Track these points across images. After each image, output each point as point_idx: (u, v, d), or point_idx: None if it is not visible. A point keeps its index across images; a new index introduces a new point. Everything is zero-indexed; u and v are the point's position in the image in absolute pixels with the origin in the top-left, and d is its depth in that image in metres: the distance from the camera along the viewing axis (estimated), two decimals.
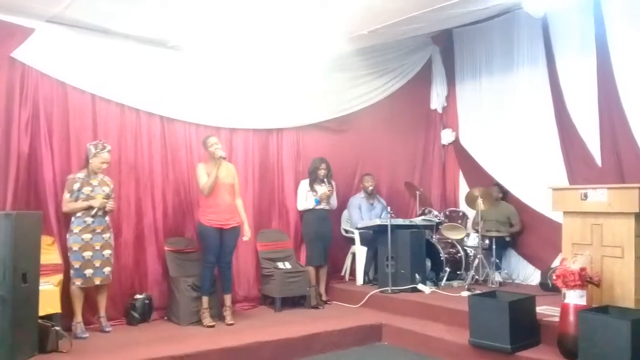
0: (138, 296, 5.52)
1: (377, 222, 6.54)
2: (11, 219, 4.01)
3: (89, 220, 4.94)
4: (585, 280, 4.13)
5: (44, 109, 5.20)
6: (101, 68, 5.47)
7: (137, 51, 5.69)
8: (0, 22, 4.92)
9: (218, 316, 5.51)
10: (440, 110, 8.20)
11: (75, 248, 4.90)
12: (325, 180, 6.52)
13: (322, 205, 6.51)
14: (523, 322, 4.49)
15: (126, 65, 5.62)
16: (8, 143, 4.98)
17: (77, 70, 5.34)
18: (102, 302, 5.13)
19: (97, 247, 4.96)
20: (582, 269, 4.12)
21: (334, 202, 6.72)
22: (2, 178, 4.92)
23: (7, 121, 5.00)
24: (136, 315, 5.43)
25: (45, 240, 4.92)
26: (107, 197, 5.05)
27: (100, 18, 5.17)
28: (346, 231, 7.25)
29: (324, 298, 6.56)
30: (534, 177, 6.78)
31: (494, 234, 6.68)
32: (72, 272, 4.91)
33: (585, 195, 4.52)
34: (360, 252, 6.92)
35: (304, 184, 6.62)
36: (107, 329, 5.09)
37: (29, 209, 5.00)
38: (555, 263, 6.09)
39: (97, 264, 4.95)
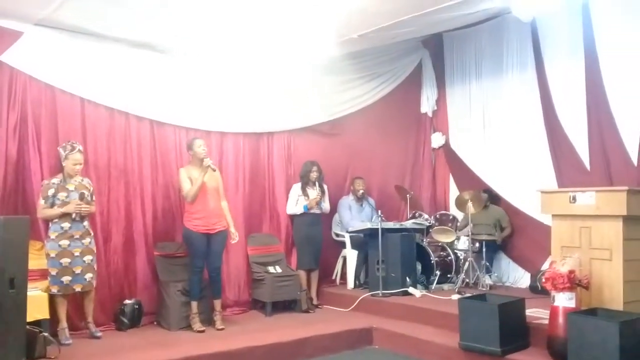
0: (127, 301, 5.48)
1: (368, 225, 6.54)
2: None
3: (66, 225, 4.83)
4: (574, 283, 4.15)
5: (32, 113, 5.16)
6: (90, 71, 5.45)
7: (126, 54, 5.66)
8: None
9: (208, 321, 5.49)
10: (430, 114, 8.22)
11: (52, 254, 4.78)
12: (316, 183, 6.52)
13: (314, 209, 6.50)
14: (513, 325, 4.51)
15: (115, 68, 5.59)
16: None
17: (65, 73, 5.31)
18: (89, 308, 5.06)
19: (77, 253, 4.85)
20: (571, 272, 4.14)
21: (326, 206, 6.72)
22: None
23: None
24: (125, 320, 5.40)
25: (34, 245, 4.88)
26: (82, 199, 4.89)
27: (89, 21, 5.15)
28: (337, 235, 7.25)
29: (315, 302, 6.55)
30: (524, 180, 6.80)
31: (484, 237, 6.69)
32: (49, 279, 4.81)
33: (574, 198, 4.54)
34: (351, 255, 6.92)
35: (296, 188, 6.61)
36: (98, 334, 5.03)
37: (17, 213, 4.96)
38: (545, 266, 6.11)
39: (77, 270, 4.84)
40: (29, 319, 4.37)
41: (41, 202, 4.86)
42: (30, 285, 4.45)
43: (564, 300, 4.14)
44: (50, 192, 4.85)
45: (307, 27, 5.42)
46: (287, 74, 6.64)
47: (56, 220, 4.83)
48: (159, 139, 5.96)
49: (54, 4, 4.71)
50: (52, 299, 4.83)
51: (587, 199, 4.45)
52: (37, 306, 4.55)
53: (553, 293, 4.21)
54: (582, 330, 3.86)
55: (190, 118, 6.11)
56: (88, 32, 5.35)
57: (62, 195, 4.86)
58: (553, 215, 4.77)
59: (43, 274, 4.90)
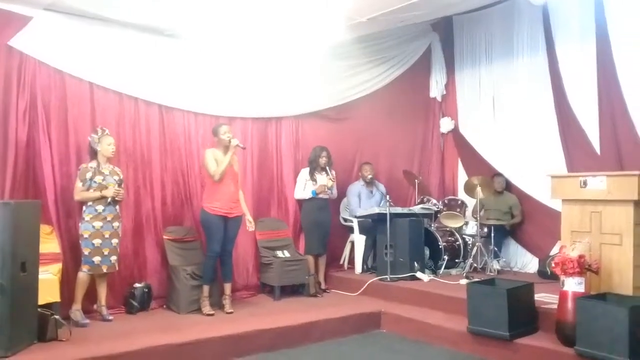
0: (137, 285, 5.52)
1: (376, 210, 6.54)
2: (10, 208, 4.00)
3: (100, 208, 4.98)
4: (584, 268, 4.15)
5: (41, 98, 5.17)
6: (99, 56, 5.44)
7: (135, 39, 5.65)
8: None
9: (217, 305, 5.52)
10: (439, 99, 8.18)
11: (85, 235, 4.94)
12: (326, 168, 6.51)
13: (321, 195, 6.50)
14: (521, 310, 4.52)
15: (124, 53, 5.58)
16: (6, 132, 4.97)
17: (75, 58, 5.30)
18: (103, 291, 5.14)
19: (107, 235, 5.00)
20: (581, 257, 4.14)
21: (334, 191, 6.71)
22: (0, 167, 4.91)
23: (5, 110, 4.98)
24: (135, 304, 5.44)
25: (44, 229, 4.91)
26: (120, 185, 5.10)
27: (98, 5, 5.14)
28: (345, 220, 7.26)
29: (323, 286, 6.58)
30: (533, 165, 6.78)
31: (492, 222, 6.68)
32: (82, 258, 4.96)
33: (585, 183, 4.52)
34: (359, 240, 6.92)
35: (304, 172, 6.61)
36: (109, 318, 5.10)
37: (27, 198, 5.01)
38: (554, 251, 6.11)
39: (106, 252, 4.99)
40: (40, 302, 4.43)
41: (79, 184, 4.99)
42: (41, 268, 4.50)
43: (574, 284, 4.14)
44: (88, 175, 4.98)
45: (315, 12, 5.38)
46: (295, 59, 6.61)
47: (90, 203, 4.97)
48: (168, 124, 5.97)
49: None
50: (66, 281, 4.93)
51: (598, 184, 4.43)
52: (48, 289, 4.58)
53: (562, 278, 4.20)
54: (591, 315, 3.86)
55: (199, 103, 6.11)
56: (97, 16, 5.33)
57: (98, 178, 5.00)
58: (563, 200, 4.75)
59: (53, 258, 4.93)
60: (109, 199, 5.00)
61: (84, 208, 5.01)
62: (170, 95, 5.91)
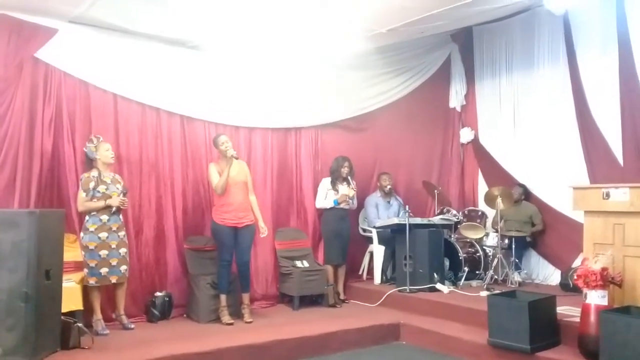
0: (158, 294, 5.57)
1: (395, 221, 6.52)
2: (35, 216, 4.06)
3: (105, 218, 4.93)
4: (607, 281, 4.09)
5: (66, 108, 5.27)
6: (122, 68, 5.54)
7: (157, 51, 5.75)
8: (24, 22, 5.01)
9: (237, 314, 5.55)
10: (459, 109, 8.15)
11: (91, 247, 4.87)
12: (348, 178, 6.52)
13: (342, 205, 6.51)
14: (543, 322, 4.46)
15: (147, 64, 5.68)
16: (32, 142, 5.07)
17: (99, 69, 5.41)
18: (121, 299, 5.16)
19: (113, 246, 4.95)
20: (604, 269, 4.08)
21: (355, 202, 6.71)
22: (26, 176, 5.00)
23: (31, 120, 5.08)
24: (156, 312, 5.49)
25: (68, 237, 5.00)
26: (124, 194, 5.08)
27: (122, 18, 5.24)
28: (364, 230, 7.25)
29: (342, 297, 6.56)
30: (555, 176, 6.71)
31: (513, 233, 6.62)
32: (86, 270, 4.90)
33: (607, 195, 4.45)
34: (378, 251, 6.91)
35: (326, 182, 6.62)
36: (130, 326, 5.13)
37: (52, 207, 5.09)
38: (576, 263, 6.02)
39: (114, 262, 4.94)
40: (64, 310, 4.49)
41: (82, 195, 4.93)
42: (64, 277, 4.56)
43: (596, 297, 4.08)
44: (91, 185, 4.94)
45: (335, 23, 5.42)
46: (314, 70, 6.66)
47: (94, 213, 4.92)
48: (189, 135, 6.04)
49: (87, 1, 4.80)
50: (86, 290, 4.95)
51: (621, 195, 4.36)
52: (71, 297, 4.67)
53: (585, 290, 4.15)
54: (615, 329, 3.79)
55: (220, 113, 6.18)
56: (121, 29, 5.44)
57: (101, 188, 4.97)
58: (585, 212, 4.67)
59: (77, 266, 5.01)
60: (114, 208, 4.96)
61: (86, 218, 4.93)
62: (191, 106, 5.99)
